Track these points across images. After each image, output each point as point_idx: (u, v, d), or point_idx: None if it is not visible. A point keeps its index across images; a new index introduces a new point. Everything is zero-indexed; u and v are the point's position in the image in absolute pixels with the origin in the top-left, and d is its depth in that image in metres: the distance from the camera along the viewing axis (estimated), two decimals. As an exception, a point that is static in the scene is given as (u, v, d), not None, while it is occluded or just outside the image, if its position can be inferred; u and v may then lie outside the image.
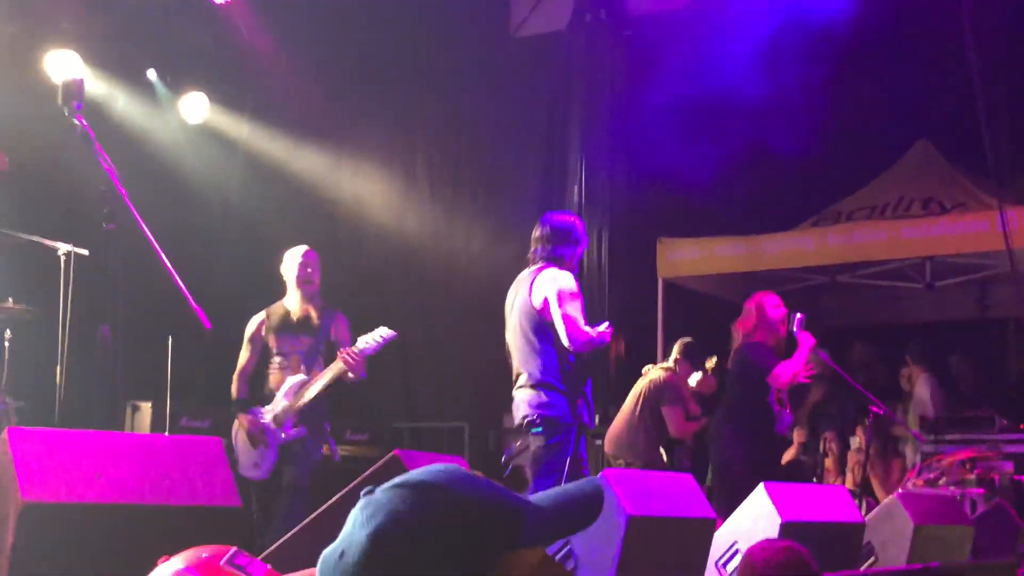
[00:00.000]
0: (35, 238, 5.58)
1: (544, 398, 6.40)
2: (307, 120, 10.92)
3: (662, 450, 9.18)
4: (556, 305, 6.33)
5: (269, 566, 2.50)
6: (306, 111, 10.90)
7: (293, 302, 7.53)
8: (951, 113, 11.17)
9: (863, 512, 7.13)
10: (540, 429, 6.43)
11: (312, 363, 7.47)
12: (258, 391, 7.45)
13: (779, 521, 5.92)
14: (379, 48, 11.33)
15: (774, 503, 6.01)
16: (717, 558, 6.03)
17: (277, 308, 7.57)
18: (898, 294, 12.09)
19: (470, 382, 11.63)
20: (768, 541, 3.24)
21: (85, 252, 5.64)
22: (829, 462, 10.30)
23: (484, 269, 11.57)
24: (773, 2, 10.60)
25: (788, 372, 7.51)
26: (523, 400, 6.48)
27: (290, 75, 10.70)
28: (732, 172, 11.36)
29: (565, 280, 6.43)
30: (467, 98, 11.80)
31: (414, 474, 1.62)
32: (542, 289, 6.45)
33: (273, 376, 7.42)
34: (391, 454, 4.23)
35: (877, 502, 8.64)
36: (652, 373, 9.11)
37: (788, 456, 10.39)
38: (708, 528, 5.80)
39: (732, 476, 7.59)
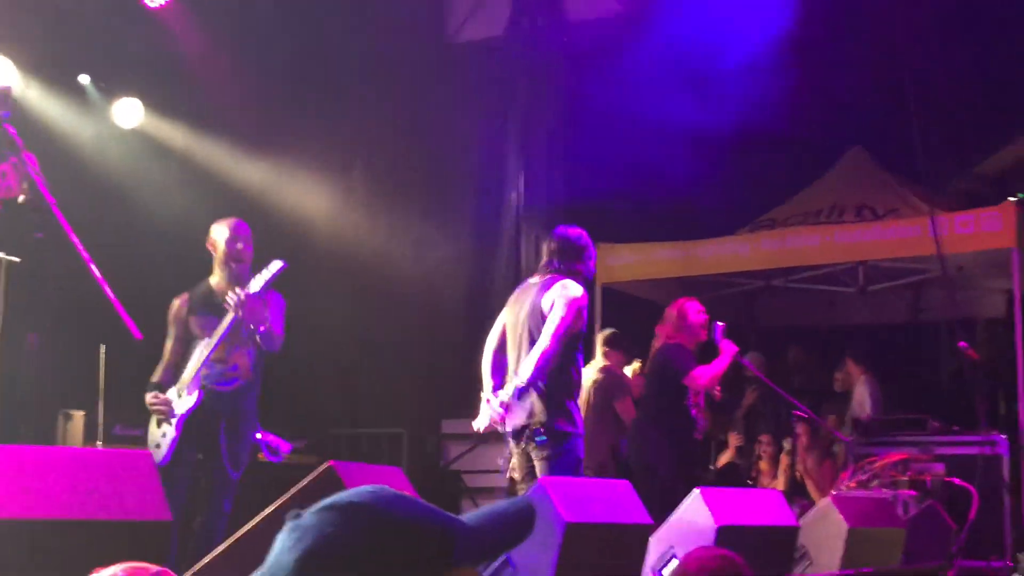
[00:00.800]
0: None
1: (553, 408, 6.47)
2: (243, 125, 10.83)
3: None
4: (560, 309, 6.42)
5: None
6: (242, 116, 10.81)
7: (219, 280, 6.77)
8: (883, 120, 11.30)
9: (797, 515, 7.19)
10: (545, 439, 6.46)
11: (240, 346, 6.70)
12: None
13: (714, 526, 5.96)
14: (316, 54, 11.28)
15: (709, 508, 6.05)
16: (653, 563, 6.06)
17: (200, 287, 6.81)
18: (832, 298, 12.22)
19: (408, 388, 11.61)
20: (703, 549, 3.26)
21: (16, 260, 5.55)
22: (763, 464, 10.38)
23: (422, 275, 11.58)
24: (708, 11, 10.66)
25: (706, 376, 7.57)
26: (526, 408, 6.54)
27: (226, 80, 10.61)
28: (669, 179, 11.42)
29: (578, 292, 6.54)
30: (405, 104, 11.77)
31: (342, 496, 1.61)
32: (553, 295, 6.53)
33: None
34: (325, 465, 4.19)
35: (811, 504, 8.72)
36: (589, 376, 9.11)
37: (724, 459, 10.47)
38: (644, 534, 5.83)
39: (659, 477, 7.64)
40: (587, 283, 6.83)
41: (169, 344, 6.77)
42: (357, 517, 1.55)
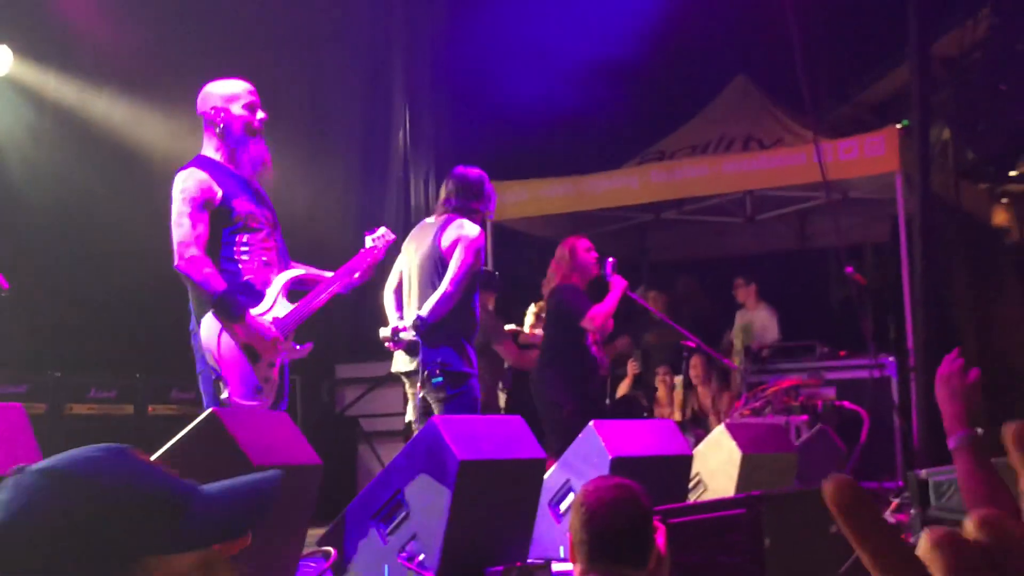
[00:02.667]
0: None
1: (449, 348, 6.37)
2: (116, 71, 10.51)
3: (500, 394, 9.18)
4: (460, 252, 6.34)
5: None
6: (115, 62, 10.50)
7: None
8: (766, 48, 11.34)
9: (692, 444, 7.24)
10: (441, 380, 6.38)
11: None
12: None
13: (609, 457, 5.97)
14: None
15: (603, 440, 6.06)
16: (550, 498, 6.06)
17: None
18: (721, 228, 12.32)
19: (300, 333, 11.46)
20: (600, 479, 3.21)
21: None
22: (661, 395, 10.46)
23: (311, 220, 11.38)
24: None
25: (601, 314, 7.56)
26: (422, 348, 6.40)
27: (99, 24, 10.29)
28: (557, 114, 11.39)
29: (475, 232, 6.41)
30: (285, 42, 11.53)
31: (65, 459, 1.50)
32: (452, 235, 6.42)
33: (245, 261, 5.30)
34: (208, 411, 4.08)
35: (707, 433, 8.80)
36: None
37: (622, 390, 10.51)
38: (539, 468, 5.81)
39: (561, 417, 7.63)
40: (484, 222, 6.79)
41: (202, 227, 5.34)
42: (70, 488, 1.46)
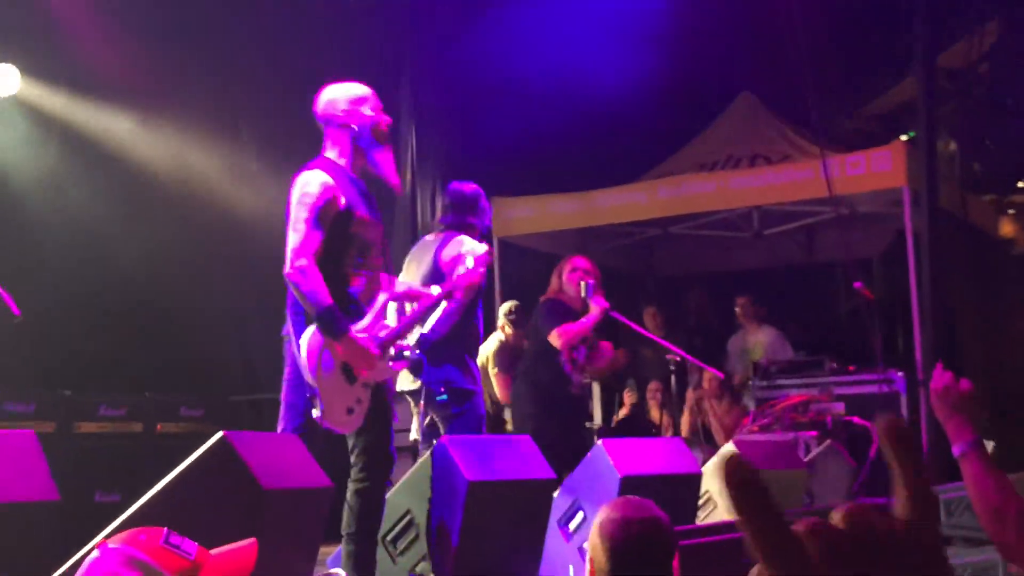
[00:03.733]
0: None
1: (452, 365, 6.39)
2: (125, 89, 10.55)
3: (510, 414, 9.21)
4: (461, 269, 6.20)
5: (197, 545, 2.41)
6: (124, 80, 10.52)
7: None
8: (770, 63, 11.35)
9: (701, 461, 7.24)
10: (446, 397, 6.40)
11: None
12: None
13: (618, 476, 5.97)
14: (199, 9, 11.00)
15: (612, 459, 6.06)
16: (559, 517, 6.06)
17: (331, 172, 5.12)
18: (728, 243, 12.33)
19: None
20: (623, 506, 3.06)
21: None
22: (654, 413, 10.43)
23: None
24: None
25: (569, 332, 7.43)
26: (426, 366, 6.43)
27: (107, 42, 10.32)
28: (565, 130, 11.40)
29: (477, 249, 6.34)
30: (294, 56, 11.55)
31: None
32: (452, 251, 6.44)
33: (356, 275, 5.16)
34: (219, 435, 4.09)
35: (715, 450, 8.79)
36: (488, 340, 9.14)
37: (620, 415, 10.53)
38: (548, 488, 5.82)
39: (528, 431, 7.62)
40: (483, 237, 6.77)
41: (319, 237, 5.16)
42: None
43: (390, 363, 5.23)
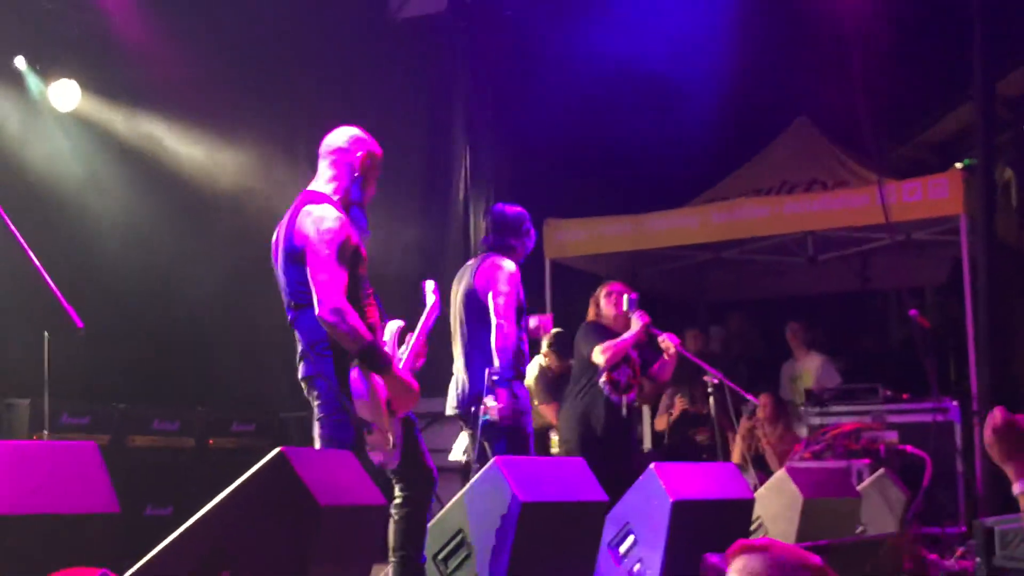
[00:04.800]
0: None
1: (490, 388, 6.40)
2: (184, 107, 10.65)
3: (555, 437, 9.19)
4: (497, 288, 6.41)
5: None
6: (183, 98, 10.63)
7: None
8: (826, 88, 11.31)
9: (753, 487, 7.19)
10: (487, 418, 6.39)
11: None
12: None
13: (670, 500, 5.95)
14: (257, 32, 11.10)
15: (663, 483, 6.04)
16: (610, 540, 6.04)
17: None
18: (781, 269, 12.26)
19: (359, 369, 11.47)
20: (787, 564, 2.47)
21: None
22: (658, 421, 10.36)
23: (370, 252, 11.42)
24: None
25: (612, 348, 7.48)
26: (467, 386, 6.53)
27: (166, 61, 10.42)
28: (617, 152, 11.41)
29: (509, 267, 6.49)
30: (348, 81, 11.62)
31: None
32: (486, 274, 6.51)
33: (369, 309, 5.17)
34: (276, 451, 4.09)
35: (768, 476, 8.73)
36: (529, 367, 9.17)
37: (660, 425, 10.37)
38: (600, 511, 5.80)
39: (568, 452, 7.64)
40: (524, 258, 6.79)
41: (343, 278, 5.17)
42: None
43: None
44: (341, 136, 5.32)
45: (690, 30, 10.82)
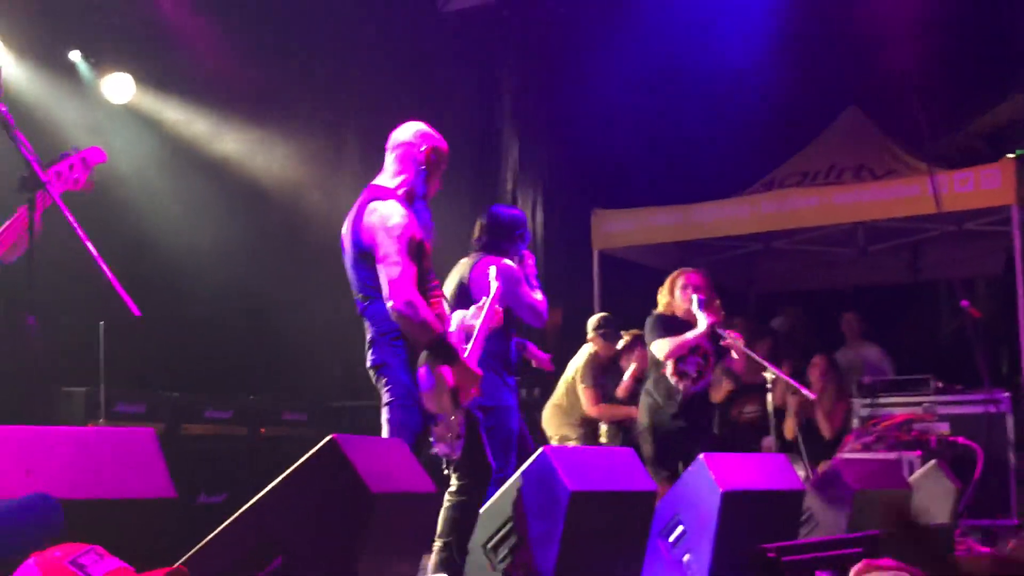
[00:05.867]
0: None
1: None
2: (236, 100, 10.74)
3: (604, 427, 9.21)
4: (513, 293, 6.33)
5: (121, 565, 2.44)
6: (235, 91, 10.72)
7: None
8: (878, 77, 11.24)
9: (803, 478, 7.18)
10: (480, 414, 6.43)
11: None
12: None
13: (719, 491, 5.95)
14: (306, 25, 11.18)
15: (713, 473, 6.04)
16: (660, 529, 6.06)
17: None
18: (831, 259, 12.20)
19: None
20: None
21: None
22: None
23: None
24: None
25: (674, 346, 7.52)
26: None
27: (218, 54, 10.52)
28: (665, 142, 11.38)
29: (506, 268, 6.39)
30: (397, 74, 11.68)
31: None
32: (480, 271, 6.42)
33: (434, 302, 5.25)
34: (328, 438, 4.15)
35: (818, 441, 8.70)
36: (579, 354, 9.19)
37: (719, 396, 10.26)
38: (649, 500, 5.82)
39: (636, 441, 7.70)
40: (516, 261, 6.64)
41: (415, 269, 5.29)
42: None
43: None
44: (408, 131, 5.39)
45: (740, 21, 10.79)
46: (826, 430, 9.54)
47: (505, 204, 11.90)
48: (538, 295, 6.46)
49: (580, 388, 9.01)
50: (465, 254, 11.64)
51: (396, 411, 5.10)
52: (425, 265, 5.16)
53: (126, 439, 3.57)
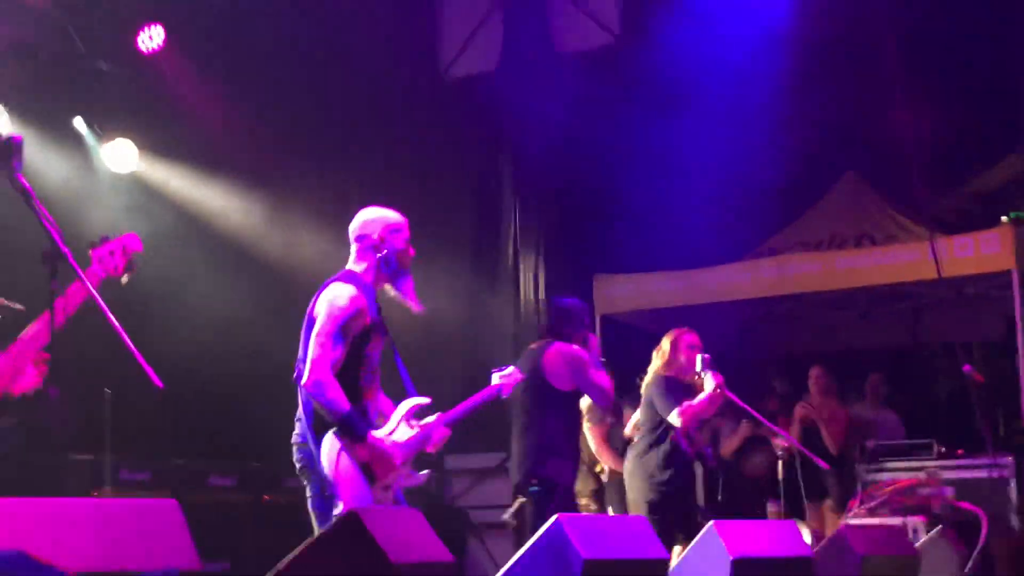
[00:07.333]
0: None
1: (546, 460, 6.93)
2: (238, 167, 10.81)
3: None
4: (582, 375, 6.99)
5: None
6: (237, 158, 10.80)
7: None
8: (875, 142, 11.34)
9: (811, 545, 7.17)
10: (538, 489, 6.83)
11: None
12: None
13: (729, 558, 5.94)
14: (310, 92, 11.28)
15: (723, 540, 6.03)
16: (671, 597, 6.04)
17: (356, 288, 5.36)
18: (831, 323, 12.24)
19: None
20: None
21: (20, 307, 5.52)
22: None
23: (416, 318, 11.47)
24: (699, 39, 10.70)
25: (689, 412, 7.51)
26: (523, 460, 7.04)
27: (220, 122, 10.60)
28: (664, 208, 11.44)
29: (578, 352, 7.04)
30: (400, 139, 11.78)
31: None
32: (555, 358, 7.02)
33: (366, 389, 5.39)
34: (349, 510, 4.16)
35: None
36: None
37: (730, 447, 10.23)
38: (662, 568, 5.80)
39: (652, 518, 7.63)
40: (581, 344, 7.20)
41: (340, 351, 5.43)
42: None
43: (412, 471, 5.45)
44: (357, 221, 5.61)
45: (737, 87, 10.89)
46: (831, 444, 9.73)
47: (508, 266, 12.02)
48: (604, 376, 6.99)
49: (586, 428, 8.90)
50: (467, 315, 11.76)
51: (316, 504, 5.31)
52: (368, 351, 5.32)
53: (150, 510, 3.58)
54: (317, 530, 5.26)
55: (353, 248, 5.56)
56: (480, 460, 11.18)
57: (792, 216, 11.38)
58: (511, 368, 6.30)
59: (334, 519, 5.04)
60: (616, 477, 9.12)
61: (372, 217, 5.58)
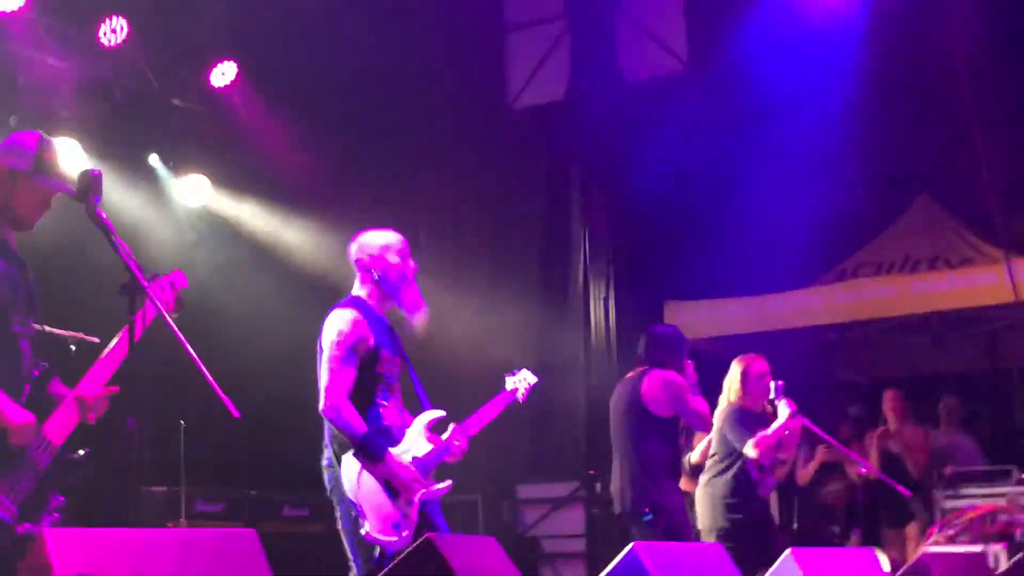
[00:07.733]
0: (47, 328, 5.50)
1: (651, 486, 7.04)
2: (308, 201, 10.90)
3: None
4: (682, 401, 7.07)
5: None
6: (307, 192, 10.89)
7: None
8: (950, 164, 11.21)
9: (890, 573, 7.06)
10: (651, 516, 6.90)
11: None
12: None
13: (808, 587, 5.86)
14: (377, 125, 11.36)
15: (801, 568, 5.95)
16: (748, 627, 5.97)
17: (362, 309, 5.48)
18: (906, 347, 12.09)
19: (482, 453, 11.52)
20: None
21: (96, 340, 5.59)
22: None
23: (489, 342, 11.50)
24: (771, 63, 10.64)
25: (765, 444, 7.42)
26: (628, 488, 7.11)
27: (290, 156, 10.70)
28: (735, 232, 11.38)
29: (674, 378, 7.12)
30: (468, 170, 11.83)
31: None
32: (654, 388, 7.09)
33: (385, 407, 5.44)
34: (423, 537, 4.15)
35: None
36: None
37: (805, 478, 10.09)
38: (739, 598, 5.74)
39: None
40: (680, 371, 7.29)
41: (351, 373, 5.52)
42: None
43: (433, 483, 5.44)
44: (352, 248, 5.71)
45: (809, 110, 10.81)
46: (914, 469, 9.63)
47: (578, 292, 12.02)
48: (702, 402, 7.08)
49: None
50: (537, 344, 11.74)
51: (342, 521, 5.31)
52: (380, 370, 5.39)
53: (229, 540, 3.60)
54: (349, 552, 5.31)
55: (355, 270, 5.69)
56: (553, 489, 11.16)
57: (865, 239, 11.26)
58: (524, 371, 6.31)
59: (362, 536, 5.12)
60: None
61: (364, 241, 5.69)
